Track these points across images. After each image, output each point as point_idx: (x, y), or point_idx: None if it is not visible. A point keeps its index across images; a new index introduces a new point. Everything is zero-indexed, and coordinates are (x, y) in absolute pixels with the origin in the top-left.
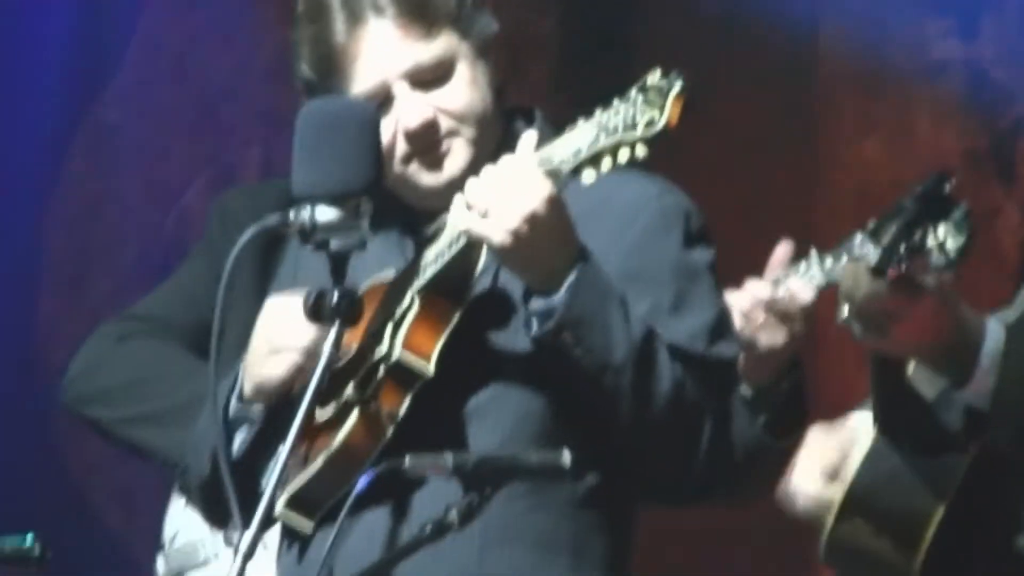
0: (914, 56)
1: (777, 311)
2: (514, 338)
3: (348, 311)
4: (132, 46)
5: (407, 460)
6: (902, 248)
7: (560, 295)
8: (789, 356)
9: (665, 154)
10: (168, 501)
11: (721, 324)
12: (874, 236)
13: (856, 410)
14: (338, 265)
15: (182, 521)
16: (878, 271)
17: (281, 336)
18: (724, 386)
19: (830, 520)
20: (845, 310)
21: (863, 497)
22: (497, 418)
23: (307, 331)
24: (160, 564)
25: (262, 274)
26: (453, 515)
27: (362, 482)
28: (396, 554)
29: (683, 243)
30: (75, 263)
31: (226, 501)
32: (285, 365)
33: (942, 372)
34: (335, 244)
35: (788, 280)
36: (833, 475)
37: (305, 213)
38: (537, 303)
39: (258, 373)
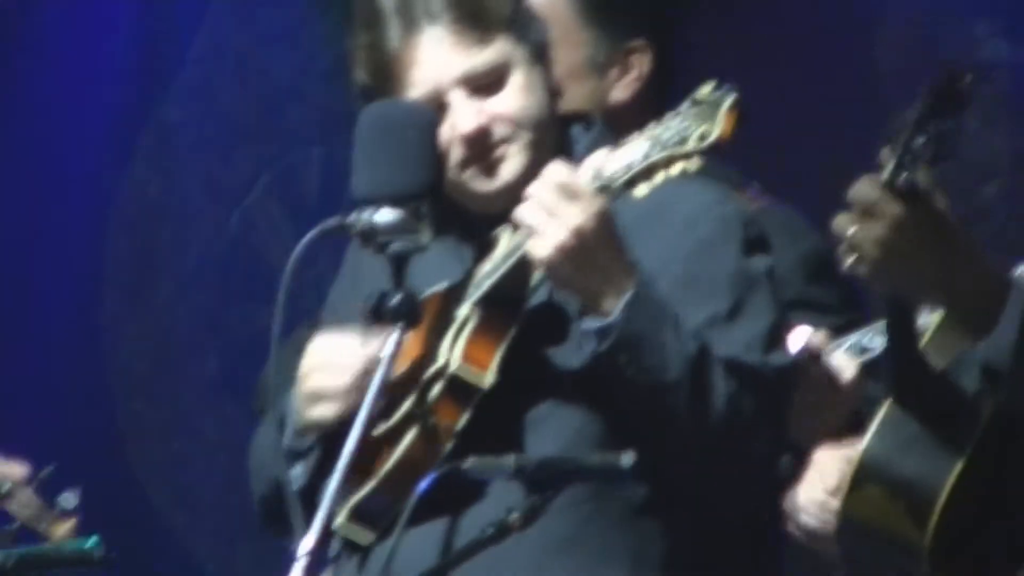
0: (962, 57)
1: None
2: (570, 353)
3: (409, 313)
4: (195, 46)
5: (469, 462)
6: (915, 147)
7: (615, 316)
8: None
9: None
10: None
11: (778, 332)
12: (891, 148)
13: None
14: (398, 267)
15: None
16: (891, 182)
17: (327, 380)
18: (780, 395)
19: (844, 491)
20: (853, 234)
21: (875, 465)
22: (555, 429)
23: (353, 370)
24: None
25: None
26: (515, 517)
27: (424, 484)
28: (456, 556)
29: (741, 251)
30: (138, 265)
31: (286, 519)
32: (332, 411)
33: (965, 323)
34: (395, 246)
35: (833, 354)
36: (837, 493)
37: (366, 215)
38: (591, 323)
39: (308, 416)
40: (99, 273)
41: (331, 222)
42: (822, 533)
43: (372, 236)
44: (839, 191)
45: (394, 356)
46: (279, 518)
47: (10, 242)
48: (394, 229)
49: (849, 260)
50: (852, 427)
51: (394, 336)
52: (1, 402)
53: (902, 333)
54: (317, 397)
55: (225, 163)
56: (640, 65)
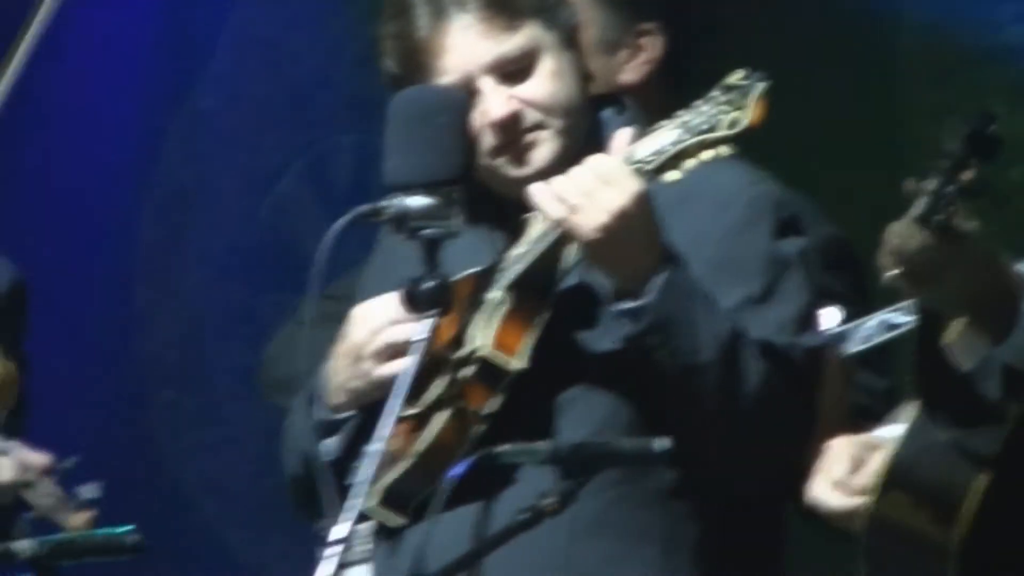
0: (986, 40)
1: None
2: (601, 336)
3: (442, 298)
4: (225, 34)
5: (503, 447)
6: (949, 191)
7: (650, 298)
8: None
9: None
10: None
11: (809, 314)
12: (919, 183)
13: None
14: (431, 253)
15: None
16: (924, 219)
17: (395, 334)
18: (811, 377)
19: (873, 495)
20: (892, 268)
21: (903, 471)
22: (585, 412)
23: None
24: None
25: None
26: (549, 501)
27: (457, 470)
28: (490, 540)
29: (773, 233)
30: (169, 252)
31: (318, 498)
32: (398, 366)
33: (986, 325)
34: (428, 232)
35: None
36: (844, 486)
37: (397, 201)
38: (625, 304)
39: (347, 383)
40: (130, 261)
41: (364, 208)
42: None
43: (404, 222)
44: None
45: (428, 341)
46: (310, 499)
47: (42, 230)
48: (427, 215)
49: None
50: (853, 420)
51: (428, 321)
52: (32, 391)
53: (931, 343)
54: (391, 352)
55: (256, 151)
56: (651, 48)
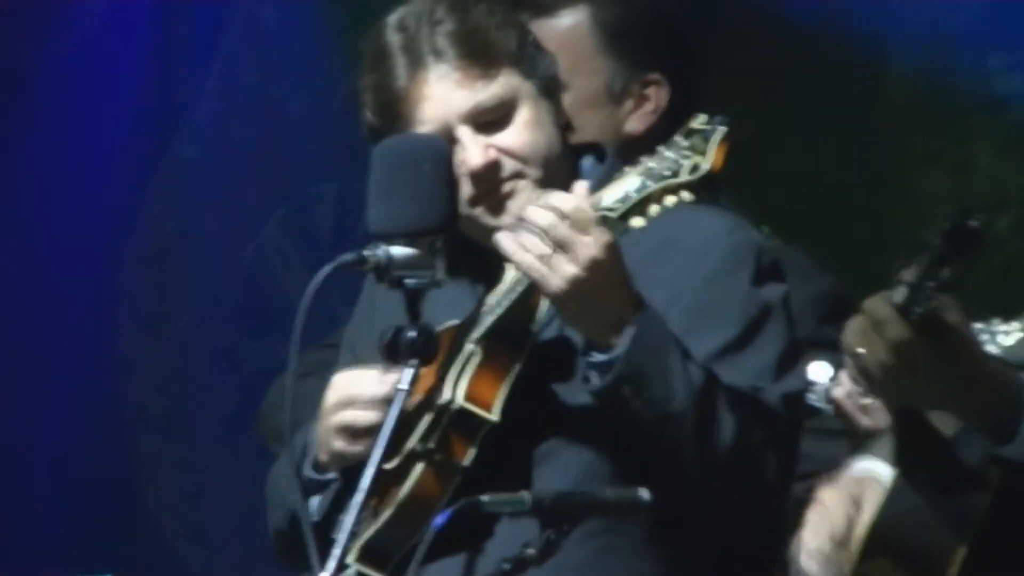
0: (977, 90)
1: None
2: (577, 388)
3: (424, 348)
4: (209, 82)
5: (485, 497)
6: (929, 286)
7: (619, 349)
8: None
9: (727, 190)
10: None
11: (788, 359)
12: (899, 273)
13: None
14: (413, 303)
15: None
16: (904, 310)
17: (358, 416)
18: (789, 423)
19: (854, 559)
20: (860, 354)
21: (885, 537)
22: (564, 464)
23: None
24: None
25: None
26: (532, 552)
27: (439, 520)
28: None
29: (753, 280)
30: (154, 299)
31: (302, 550)
32: (363, 446)
33: (978, 426)
34: (411, 282)
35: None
36: (842, 542)
37: (381, 250)
38: (596, 356)
39: (336, 449)
40: (114, 308)
41: (347, 256)
42: None
43: (388, 271)
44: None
45: (409, 392)
46: (294, 552)
47: (26, 277)
48: (410, 264)
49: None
50: None
51: (409, 371)
52: (17, 438)
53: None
54: (347, 431)
55: (239, 198)
56: (656, 98)
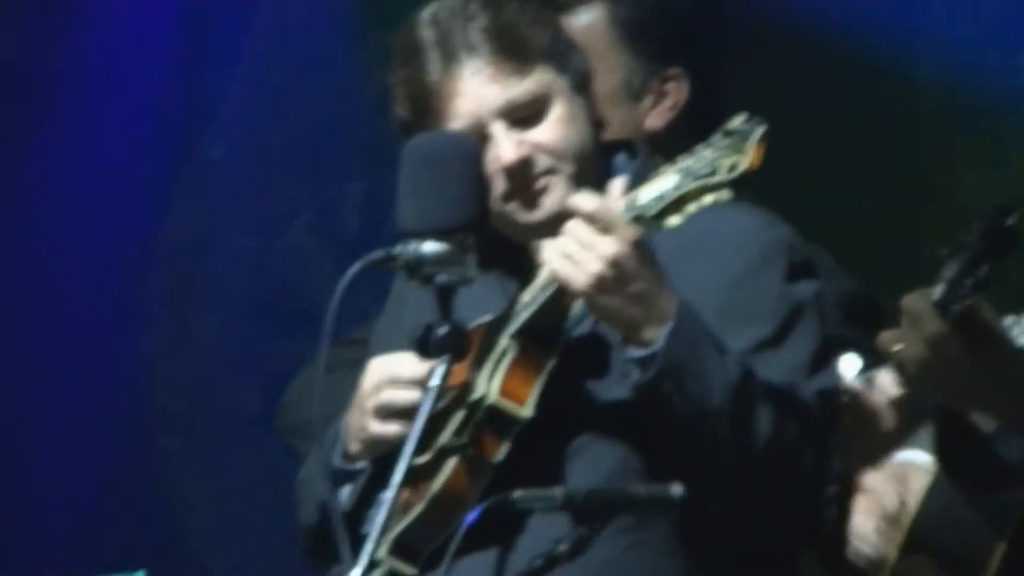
0: (1008, 88)
1: (864, 407)
2: (613, 384)
3: (455, 345)
4: (234, 82)
5: (517, 493)
6: (967, 283)
7: (658, 344)
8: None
9: (758, 187)
10: None
11: (822, 355)
12: (941, 271)
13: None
14: (444, 300)
15: None
16: (941, 306)
17: (398, 395)
18: (824, 419)
19: (893, 557)
20: (900, 351)
21: (924, 534)
22: (597, 461)
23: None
24: None
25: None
26: (563, 548)
27: (471, 516)
28: None
29: (785, 277)
30: (179, 300)
31: (332, 546)
32: (395, 428)
33: (1013, 423)
34: (441, 279)
35: (878, 374)
36: (894, 518)
37: (411, 248)
38: (635, 352)
39: (375, 432)
40: (140, 309)
41: (376, 254)
42: (881, 562)
43: (418, 268)
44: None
45: (440, 388)
46: (323, 548)
47: (51, 277)
48: (440, 261)
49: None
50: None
51: (440, 368)
52: (42, 437)
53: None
54: (384, 412)
55: (265, 198)
56: (676, 93)
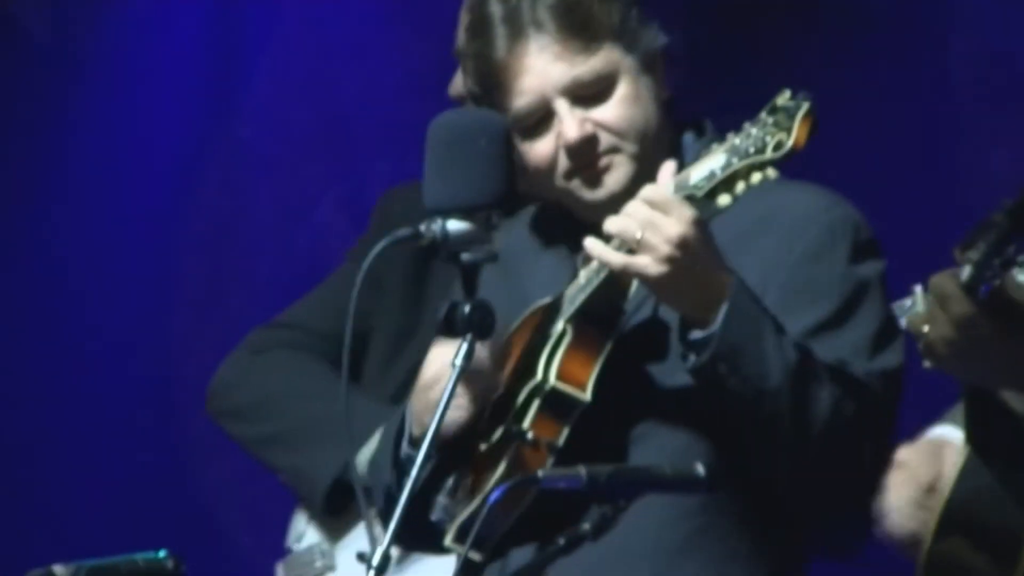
0: None
1: None
2: (676, 369)
3: (480, 323)
4: (264, 64)
5: (540, 472)
6: (995, 263)
7: (715, 326)
8: None
9: (791, 170)
10: (295, 510)
11: (885, 335)
12: (963, 251)
13: (935, 426)
14: (469, 277)
15: (306, 528)
16: (970, 287)
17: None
18: (886, 399)
19: (928, 538)
20: (927, 331)
21: (959, 514)
22: (660, 445)
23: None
24: (280, 571)
25: (416, 284)
26: (587, 527)
27: (496, 494)
28: (528, 567)
29: (850, 256)
30: (208, 280)
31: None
32: (460, 413)
33: None
34: (466, 256)
35: None
36: (930, 488)
37: (436, 225)
38: (694, 334)
39: (421, 417)
40: (168, 290)
41: (402, 232)
42: (919, 535)
43: (443, 246)
44: (910, 208)
45: (465, 367)
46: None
47: (80, 259)
48: (465, 239)
49: (925, 359)
50: None
51: (464, 346)
52: (69, 420)
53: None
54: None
55: (295, 179)
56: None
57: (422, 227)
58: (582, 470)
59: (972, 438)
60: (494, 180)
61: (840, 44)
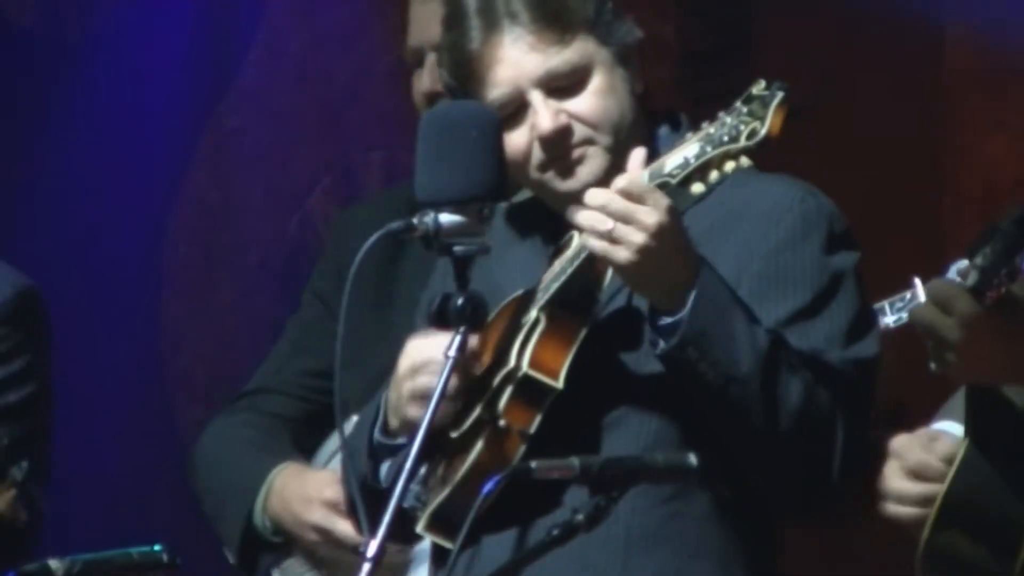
0: None
1: None
2: (649, 357)
3: (472, 316)
4: (254, 51)
5: (534, 463)
6: (1002, 272)
7: (683, 312)
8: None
9: (788, 156)
10: None
11: (860, 325)
12: (970, 257)
13: (935, 420)
14: (462, 270)
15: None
16: (975, 293)
17: (432, 380)
18: (860, 388)
19: (926, 530)
20: (933, 335)
21: (958, 507)
22: (632, 433)
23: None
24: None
25: (383, 284)
26: (580, 518)
27: (489, 486)
28: (522, 557)
29: (825, 247)
30: (198, 269)
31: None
32: (405, 414)
33: None
34: (459, 249)
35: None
36: (921, 475)
37: (428, 218)
38: (663, 320)
39: (410, 415)
40: (158, 278)
41: (395, 224)
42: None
43: (435, 238)
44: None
45: (458, 359)
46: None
47: (70, 247)
48: (458, 231)
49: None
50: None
51: (457, 338)
52: (61, 411)
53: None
54: (421, 397)
55: (284, 167)
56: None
57: (415, 220)
58: (575, 461)
59: (972, 431)
60: (485, 172)
61: (833, 32)
